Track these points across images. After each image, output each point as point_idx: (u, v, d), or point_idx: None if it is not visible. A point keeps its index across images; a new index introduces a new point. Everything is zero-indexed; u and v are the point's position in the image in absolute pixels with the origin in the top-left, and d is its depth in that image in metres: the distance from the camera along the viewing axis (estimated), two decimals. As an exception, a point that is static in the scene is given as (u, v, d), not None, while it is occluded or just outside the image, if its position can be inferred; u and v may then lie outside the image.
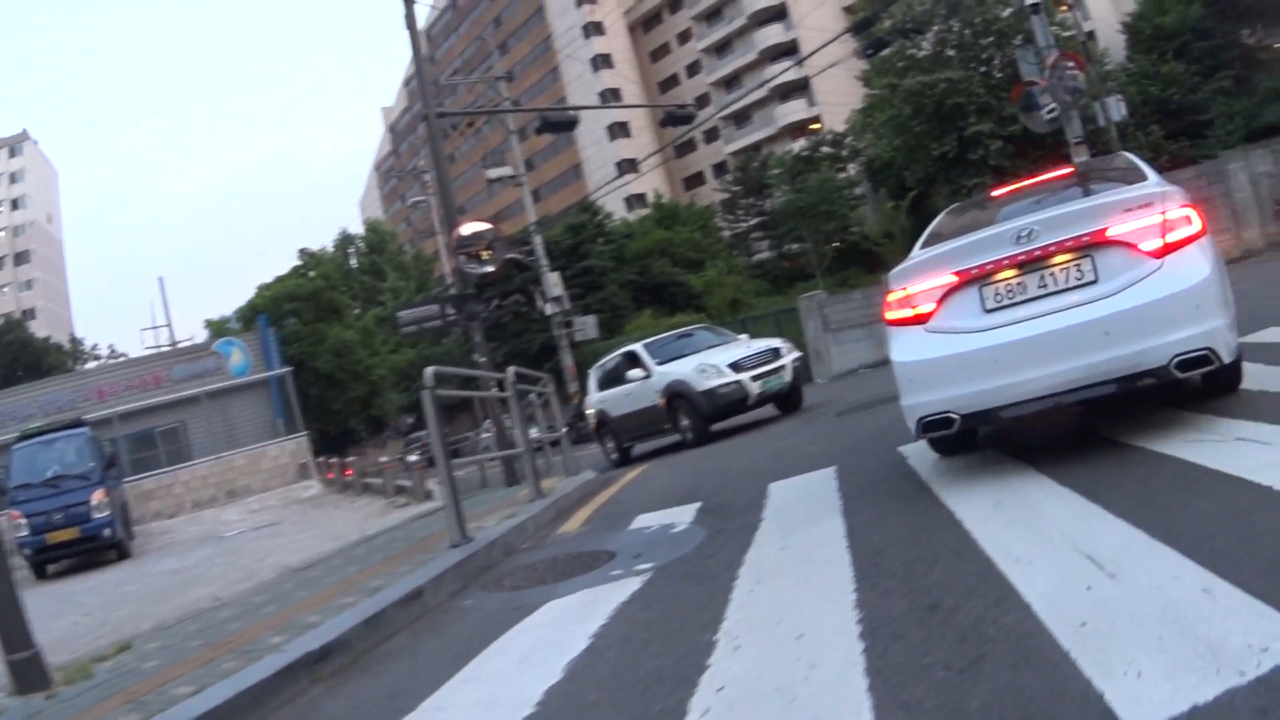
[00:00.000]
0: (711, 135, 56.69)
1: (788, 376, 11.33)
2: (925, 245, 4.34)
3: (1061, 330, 3.53)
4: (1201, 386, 4.13)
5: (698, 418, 10.95)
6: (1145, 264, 3.55)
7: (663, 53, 62.83)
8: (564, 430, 10.34)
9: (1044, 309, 3.63)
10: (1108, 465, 3.56)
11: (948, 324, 3.83)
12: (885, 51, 29.36)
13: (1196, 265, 3.57)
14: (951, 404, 3.75)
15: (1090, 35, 38.80)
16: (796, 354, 11.85)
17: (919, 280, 3.96)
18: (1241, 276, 11.32)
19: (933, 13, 31.42)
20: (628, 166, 52.39)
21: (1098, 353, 3.47)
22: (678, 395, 11.14)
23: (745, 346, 11.66)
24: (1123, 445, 3.79)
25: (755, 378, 10.91)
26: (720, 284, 37.20)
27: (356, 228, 73.84)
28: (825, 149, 43.19)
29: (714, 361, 11.06)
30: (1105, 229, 3.60)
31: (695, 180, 59.65)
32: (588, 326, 24.02)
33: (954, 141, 30.59)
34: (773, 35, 53.86)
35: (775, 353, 11.44)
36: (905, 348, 3.97)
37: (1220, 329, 3.54)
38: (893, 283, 4.10)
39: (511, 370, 7.90)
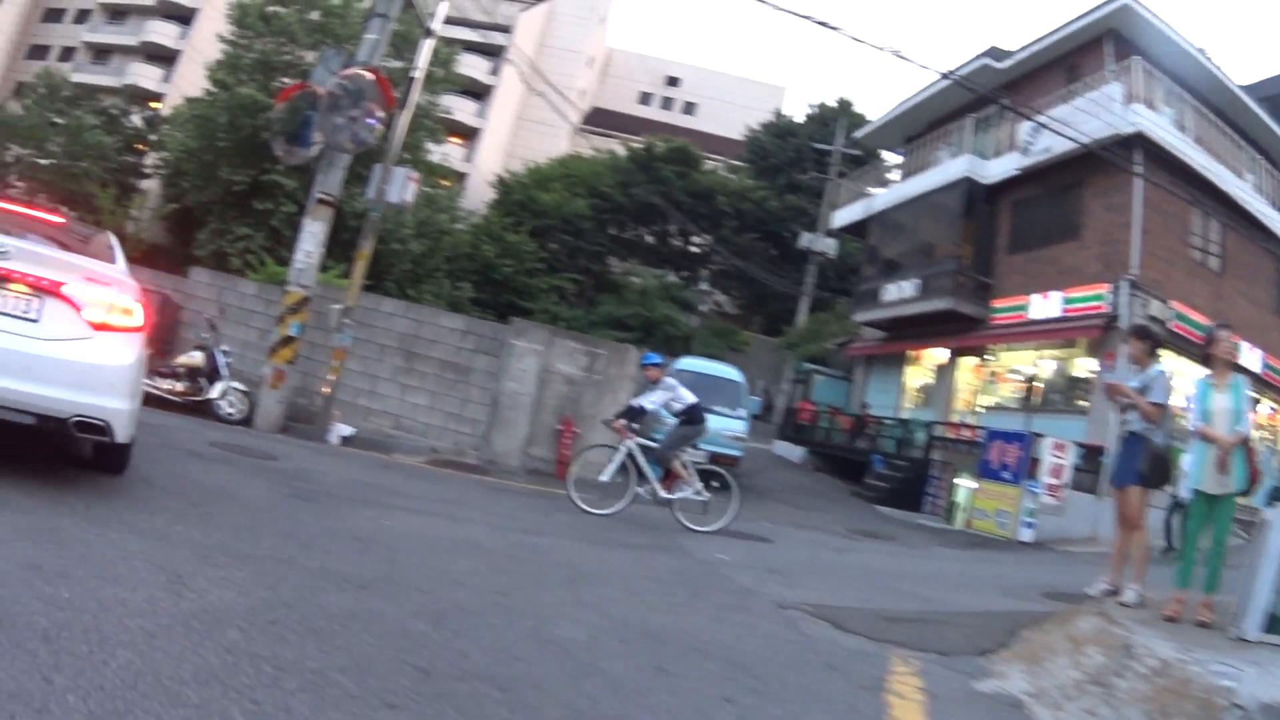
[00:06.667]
0: (67, 55, 43.05)
1: None
2: None
3: None
4: (92, 457, 4.69)
5: None
6: (83, 329, 4.07)
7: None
8: None
9: None
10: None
11: None
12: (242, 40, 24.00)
13: (123, 351, 4.18)
14: None
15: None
16: None
17: None
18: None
19: None
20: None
21: (13, 380, 3.84)
22: None
23: None
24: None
25: None
26: None
27: None
28: (134, 124, 33.18)
29: None
30: (63, 284, 4.05)
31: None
32: None
33: (247, 180, 22.92)
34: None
35: None
36: None
37: (123, 412, 4.18)
38: None
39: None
